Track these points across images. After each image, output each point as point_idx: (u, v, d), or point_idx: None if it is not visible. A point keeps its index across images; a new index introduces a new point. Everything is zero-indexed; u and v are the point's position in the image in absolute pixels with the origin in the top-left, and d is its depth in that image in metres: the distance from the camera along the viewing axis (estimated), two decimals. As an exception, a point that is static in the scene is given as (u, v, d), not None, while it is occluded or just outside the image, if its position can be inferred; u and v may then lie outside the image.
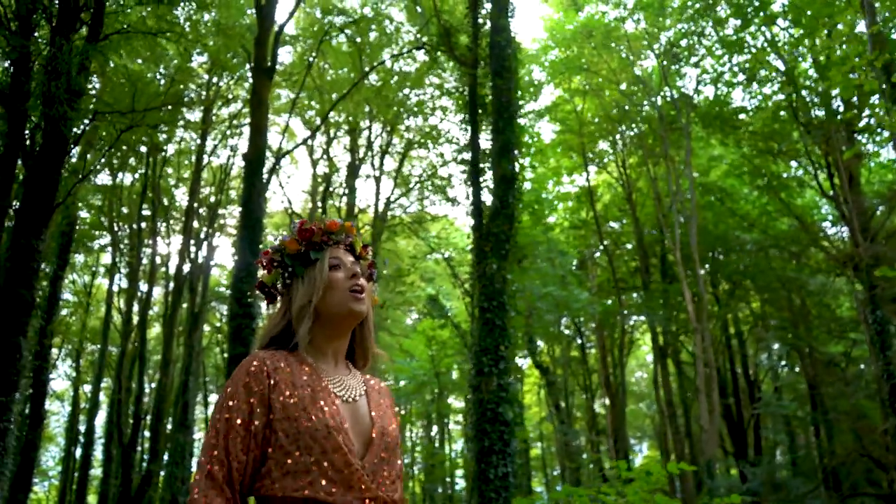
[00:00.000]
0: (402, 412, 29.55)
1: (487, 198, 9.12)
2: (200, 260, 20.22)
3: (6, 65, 12.47)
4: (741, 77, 17.73)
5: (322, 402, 1.49)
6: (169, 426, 18.70)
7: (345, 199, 19.78)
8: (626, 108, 19.24)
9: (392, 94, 16.88)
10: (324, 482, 1.40)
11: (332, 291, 1.61)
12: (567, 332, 24.26)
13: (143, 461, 21.11)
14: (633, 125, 19.82)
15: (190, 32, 15.73)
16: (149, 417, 19.92)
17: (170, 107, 18.18)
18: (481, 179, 9.42)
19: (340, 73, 18.21)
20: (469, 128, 10.00)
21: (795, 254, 20.43)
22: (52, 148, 11.23)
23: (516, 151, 9.16)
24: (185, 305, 19.93)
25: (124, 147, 18.40)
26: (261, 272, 1.74)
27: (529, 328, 19.03)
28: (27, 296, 10.48)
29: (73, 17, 12.05)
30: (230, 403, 1.47)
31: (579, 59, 18.12)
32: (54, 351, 28.11)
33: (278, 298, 1.71)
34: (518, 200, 9.10)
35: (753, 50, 16.64)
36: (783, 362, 24.12)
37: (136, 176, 21.06)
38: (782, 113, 17.03)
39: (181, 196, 23.04)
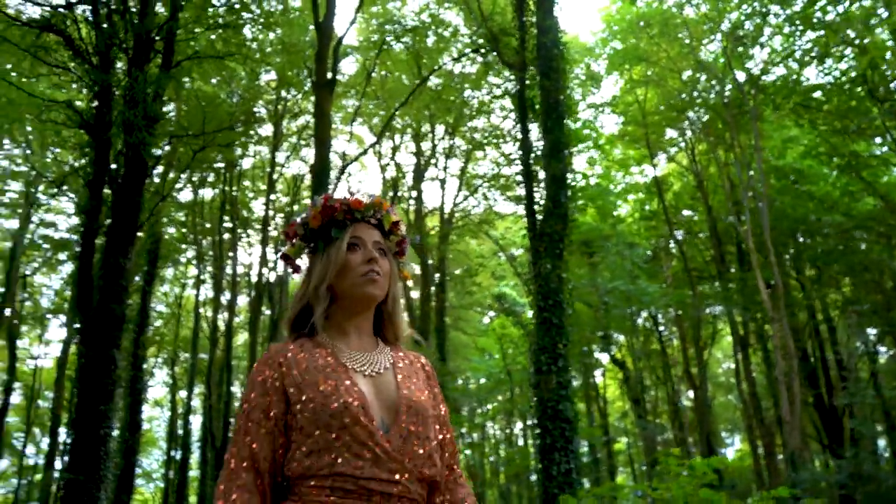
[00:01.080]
0: (482, 410, 29.76)
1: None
2: (279, 268, 21.03)
3: (89, 96, 13.37)
4: (813, 54, 17.05)
5: (337, 380, 1.47)
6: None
7: (412, 202, 20.15)
8: (690, 95, 18.82)
9: (452, 96, 17.10)
10: (349, 456, 1.39)
11: (347, 273, 1.59)
12: (647, 324, 23.88)
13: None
14: (700, 112, 19.36)
15: (256, 52, 16.41)
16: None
17: (240, 125, 19.04)
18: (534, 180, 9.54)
19: (400, 77, 18.55)
20: (520, 129, 10.12)
21: (883, 234, 19.46)
22: (133, 172, 12.01)
23: (566, 151, 9.22)
24: (267, 312, 20.80)
25: (203, 165, 19.36)
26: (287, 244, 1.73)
27: (603, 323, 18.88)
28: (118, 310, 11.27)
29: (146, 49, 12.82)
30: (249, 398, 1.50)
31: (638, 50, 17.86)
32: (151, 360, 29.88)
33: (302, 269, 1.70)
34: (571, 200, 9.15)
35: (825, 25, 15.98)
36: (882, 347, 22.97)
37: (216, 191, 22.10)
38: (858, 89, 16.28)
39: (259, 207, 24.01)
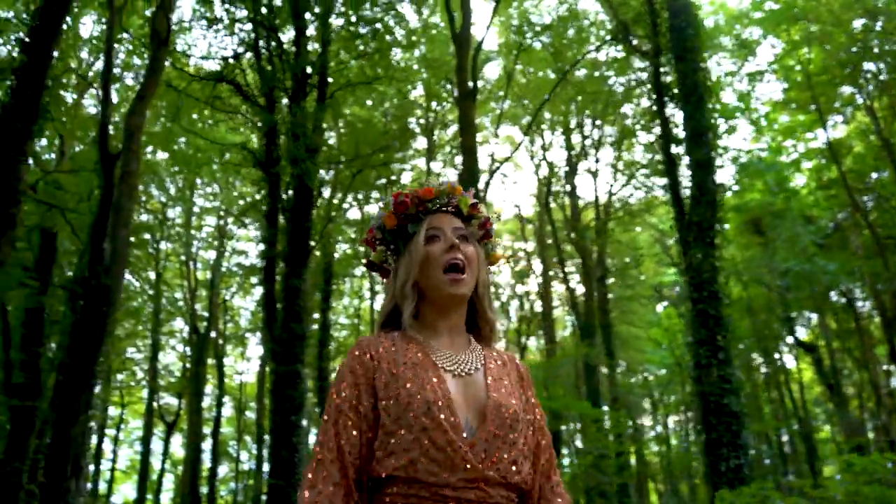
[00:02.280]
0: (660, 403, 28.81)
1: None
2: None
3: (259, 136, 14.72)
4: None
5: (424, 379, 1.42)
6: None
7: (567, 197, 20.06)
8: (864, 47, 17.06)
9: (596, 87, 16.85)
10: (425, 461, 1.34)
11: (430, 268, 1.53)
12: (841, 300, 21.88)
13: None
14: (879, 64, 17.50)
15: (403, 72, 17.17)
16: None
17: (396, 142, 19.99)
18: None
19: (541, 75, 18.56)
20: (658, 117, 9.80)
21: None
22: (301, 200, 13.08)
23: (710, 134, 8.80)
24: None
25: (365, 184, 20.54)
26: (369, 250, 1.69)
27: (783, 305, 17.64)
28: (298, 329, 12.34)
29: (303, 85, 13.90)
30: (339, 389, 1.46)
31: (795, 7, 16.50)
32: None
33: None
34: (720, 185, 8.73)
35: None
36: None
37: (381, 205, 23.30)
38: None
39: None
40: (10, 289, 14.52)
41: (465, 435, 1.38)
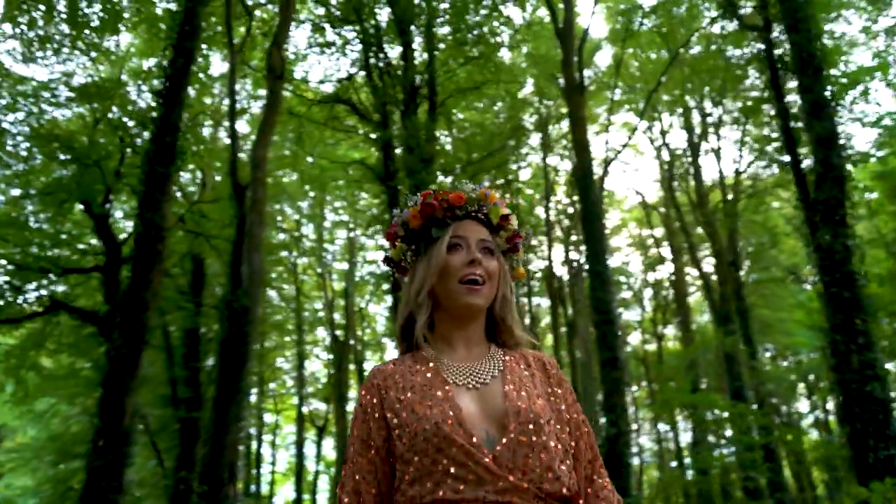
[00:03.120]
0: (816, 387, 26.93)
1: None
2: (573, 267, 21.63)
3: (376, 151, 15.31)
4: None
5: (432, 400, 1.38)
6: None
7: (691, 179, 19.31)
8: None
9: (711, 63, 16.12)
10: (449, 481, 1.30)
11: (447, 276, 1.48)
12: None
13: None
14: None
15: (511, 71, 17.25)
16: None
17: (511, 140, 20.07)
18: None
19: (654, 57, 18.00)
20: (773, 93, 9.24)
21: None
22: (419, 210, 13.48)
23: (832, 106, 8.19)
24: (570, 312, 21.51)
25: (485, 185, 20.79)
26: (388, 245, 1.65)
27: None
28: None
29: (413, 97, 14.32)
30: (353, 427, 1.46)
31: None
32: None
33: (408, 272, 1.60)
34: (846, 159, 8.11)
35: None
36: None
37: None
38: None
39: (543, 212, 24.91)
40: (169, 312, 16.02)
41: (485, 448, 1.33)
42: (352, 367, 26.48)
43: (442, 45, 15.86)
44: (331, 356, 26.76)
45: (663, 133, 20.80)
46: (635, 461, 26.73)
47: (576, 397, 1.52)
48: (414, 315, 1.52)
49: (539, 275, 25.29)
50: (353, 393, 28.66)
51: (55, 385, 14.57)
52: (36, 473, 16.18)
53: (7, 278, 13.66)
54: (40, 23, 13.56)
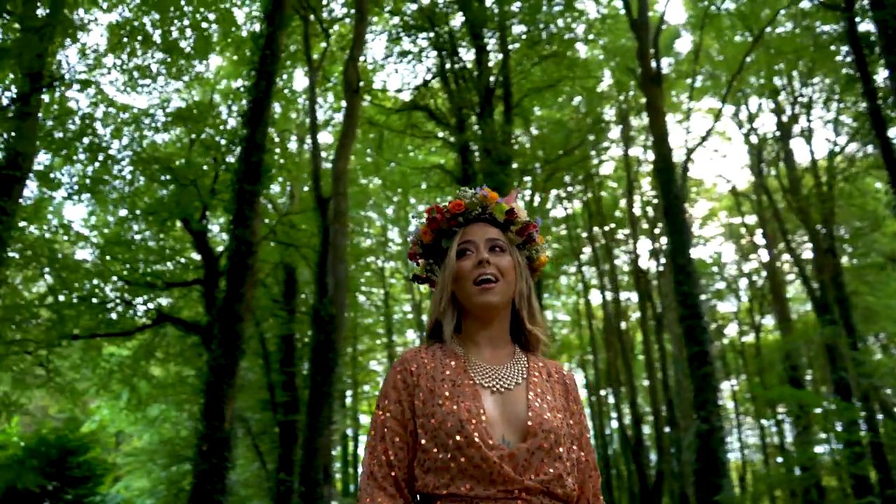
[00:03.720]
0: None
1: None
2: (660, 260, 21.19)
3: (454, 155, 15.52)
4: None
5: (460, 396, 1.43)
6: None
7: (782, 164, 18.53)
8: None
9: (797, 42, 15.42)
10: (464, 478, 1.35)
11: (462, 282, 1.53)
12: None
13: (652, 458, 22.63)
14: None
15: (586, 65, 17.07)
16: (652, 417, 21.42)
17: (591, 135, 19.85)
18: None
19: (739, 39, 17.38)
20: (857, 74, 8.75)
21: None
22: (499, 211, 13.58)
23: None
24: (659, 307, 21.10)
25: (564, 182, 20.68)
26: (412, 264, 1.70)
27: None
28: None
29: (489, 100, 14.45)
30: (384, 404, 1.49)
31: None
32: (565, 366, 32.31)
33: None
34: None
35: None
36: None
37: (587, 198, 23.23)
38: None
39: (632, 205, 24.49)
40: (264, 320, 16.79)
41: (501, 453, 1.37)
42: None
43: (515, 45, 15.90)
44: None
45: (751, 117, 20.05)
46: (734, 457, 25.88)
47: (583, 411, 1.58)
48: (441, 322, 1.57)
49: (626, 269, 24.90)
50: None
51: (164, 392, 15.51)
52: (151, 475, 17.27)
53: (118, 294, 14.71)
54: (139, 53, 14.51)
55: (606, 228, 22.95)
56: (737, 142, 25.48)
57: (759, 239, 23.37)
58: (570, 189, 21.85)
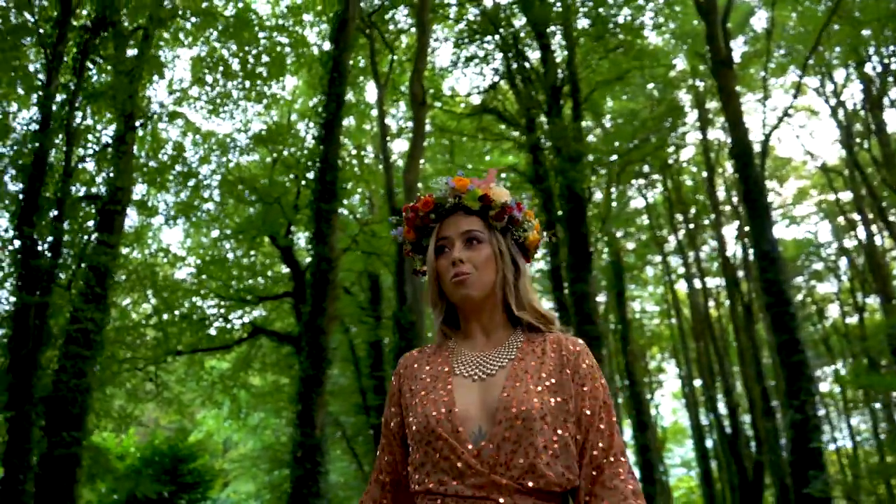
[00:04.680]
0: None
1: None
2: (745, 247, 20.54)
3: (526, 154, 15.60)
4: None
5: (433, 392, 1.41)
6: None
7: (875, 136, 17.61)
8: None
9: (881, 7, 14.60)
10: (436, 473, 1.33)
11: (442, 280, 1.51)
12: None
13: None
14: None
15: (653, 54, 16.75)
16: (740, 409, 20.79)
17: (668, 122, 19.45)
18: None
19: (820, 11, 16.64)
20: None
21: None
22: (574, 209, 13.59)
23: None
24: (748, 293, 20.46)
25: (641, 172, 20.36)
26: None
27: None
28: (591, 331, 12.83)
29: (556, 98, 14.47)
30: (384, 410, 1.53)
31: None
32: (658, 356, 31.72)
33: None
34: None
35: None
36: None
37: (668, 186, 22.78)
38: None
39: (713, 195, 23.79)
40: (353, 326, 17.37)
41: (470, 445, 1.33)
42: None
43: (581, 40, 15.80)
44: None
45: (837, 90, 19.15)
46: (843, 445, 24.72)
47: (597, 384, 1.43)
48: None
49: (713, 256, 24.23)
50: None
51: (263, 401, 16.33)
52: (256, 480, 18.21)
53: (216, 310, 15.63)
54: (220, 83, 15.35)
55: (689, 216, 22.43)
56: (824, 116, 24.35)
57: (855, 216, 22.27)
58: (649, 178, 21.48)
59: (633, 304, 28.09)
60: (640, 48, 16.09)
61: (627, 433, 25.69)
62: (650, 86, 19.50)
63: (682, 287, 25.66)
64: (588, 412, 1.39)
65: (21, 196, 8.55)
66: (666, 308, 28.45)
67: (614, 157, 16.07)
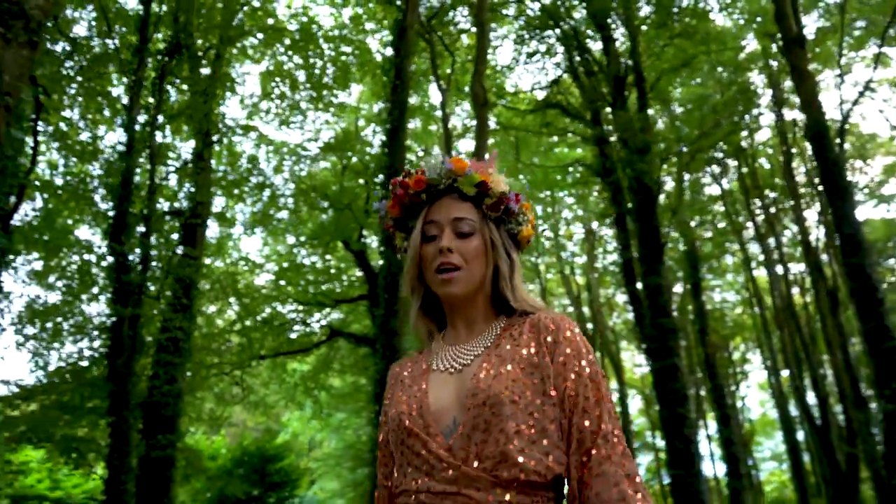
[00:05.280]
0: None
1: None
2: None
3: (592, 148, 15.45)
4: None
5: (407, 394, 1.35)
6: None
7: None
8: None
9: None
10: (411, 471, 1.27)
11: (426, 267, 1.39)
12: None
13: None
14: None
15: (720, 37, 16.29)
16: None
17: (740, 105, 18.86)
18: None
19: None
20: None
21: None
22: (643, 200, 13.39)
23: None
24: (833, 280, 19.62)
25: (712, 159, 19.82)
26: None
27: None
28: (667, 324, 12.64)
29: (620, 88, 14.30)
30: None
31: None
32: (742, 346, 30.79)
33: None
34: None
35: None
36: None
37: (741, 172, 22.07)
38: None
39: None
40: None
41: (440, 438, 1.26)
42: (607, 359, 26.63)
43: (644, 26, 15.53)
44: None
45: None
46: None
47: (581, 361, 1.30)
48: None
49: (795, 242, 23.32)
50: (612, 384, 28.76)
51: (343, 401, 16.79)
52: (340, 478, 18.73)
53: (295, 314, 16.17)
54: (288, 94, 15.89)
55: (766, 200, 21.68)
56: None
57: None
58: (723, 164, 20.89)
59: (713, 294, 27.33)
60: (706, 32, 15.70)
61: (712, 427, 25.11)
62: (719, 69, 18.95)
63: (763, 274, 24.86)
64: (572, 392, 1.26)
65: (111, 214, 9.13)
66: (747, 297, 27.59)
67: (684, 148, 15.72)
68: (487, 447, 1.21)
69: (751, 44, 19.15)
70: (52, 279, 11.54)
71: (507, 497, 1.19)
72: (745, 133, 19.74)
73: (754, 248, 24.41)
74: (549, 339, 1.31)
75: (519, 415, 1.22)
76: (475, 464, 1.21)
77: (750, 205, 20.79)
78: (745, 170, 20.62)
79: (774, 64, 19.22)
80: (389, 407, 1.38)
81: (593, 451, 1.22)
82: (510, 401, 1.23)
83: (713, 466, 25.35)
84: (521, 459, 1.20)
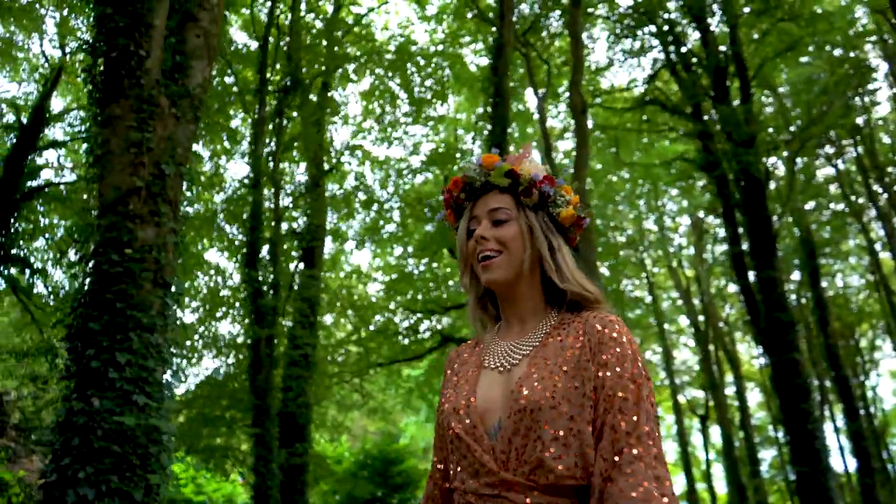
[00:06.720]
0: None
1: None
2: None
3: (695, 143, 15.20)
4: None
5: (455, 390, 1.38)
6: None
7: None
8: None
9: None
10: (459, 471, 1.31)
11: (473, 261, 1.43)
12: None
13: None
14: None
15: (826, 15, 15.60)
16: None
17: (855, 82, 17.94)
18: None
19: None
20: None
21: None
22: (751, 192, 13.12)
23: None
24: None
25: (829, 140, 18.95)
26: None
27: None
28: (784, 317, 12.33)
29: (722, 79, 14.01)
30: None
31: None
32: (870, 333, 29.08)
33: None
34: None
35: None
36: None
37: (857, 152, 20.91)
38: None
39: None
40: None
41: (486, 440, 1.28)
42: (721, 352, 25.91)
43: (744, 12, 15.10)
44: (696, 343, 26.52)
45: None
46: None
47: (624, 362, 1.28)
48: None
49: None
50: (729, 377, 27.89)
51: (458, 405, 17.20)
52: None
53: (406, 323, 16.81)
54: (388, 111, 16.56)
55: (888, 179, 20.44)
56: None
57: None
58: (837, 144, 19.91)
59: (834, 279, 26.03)
60: (809, 15, 15.07)
61: (839, 419, 23.88)
62: (828, 47, 18.07)
63: (889, 257, 23.43)
64: (610, 392, 1.25)
65: (238, 240, 9.97)
66: (873, 281, 26.06)
67: (791, 134, 15.17)
68: (527, 453, 1.22)
69: (862, 18, 18.19)
70: (186, 300, 12.65)
71: (544, 500, 1.21)
72: (860, 110, 18.72)
73: (878, 230, 23.09)
74: (595, 340, 1.31)
75: (558, 421, 1.23)
76: (514, 468, 1.23)
77: (870, 185, 19.72)
78: (861, 149, 19.57)
79: (890, 40, 18.17)
80: (443, 401, 1.41)
81: (625, 450, 1.20)
82: (550, 406, 1.23)
83: (843, 461, 24.09)
84: (556, 466, 1.21)
